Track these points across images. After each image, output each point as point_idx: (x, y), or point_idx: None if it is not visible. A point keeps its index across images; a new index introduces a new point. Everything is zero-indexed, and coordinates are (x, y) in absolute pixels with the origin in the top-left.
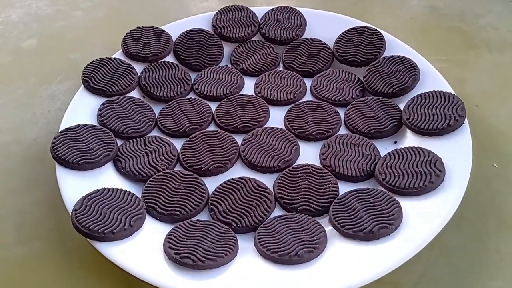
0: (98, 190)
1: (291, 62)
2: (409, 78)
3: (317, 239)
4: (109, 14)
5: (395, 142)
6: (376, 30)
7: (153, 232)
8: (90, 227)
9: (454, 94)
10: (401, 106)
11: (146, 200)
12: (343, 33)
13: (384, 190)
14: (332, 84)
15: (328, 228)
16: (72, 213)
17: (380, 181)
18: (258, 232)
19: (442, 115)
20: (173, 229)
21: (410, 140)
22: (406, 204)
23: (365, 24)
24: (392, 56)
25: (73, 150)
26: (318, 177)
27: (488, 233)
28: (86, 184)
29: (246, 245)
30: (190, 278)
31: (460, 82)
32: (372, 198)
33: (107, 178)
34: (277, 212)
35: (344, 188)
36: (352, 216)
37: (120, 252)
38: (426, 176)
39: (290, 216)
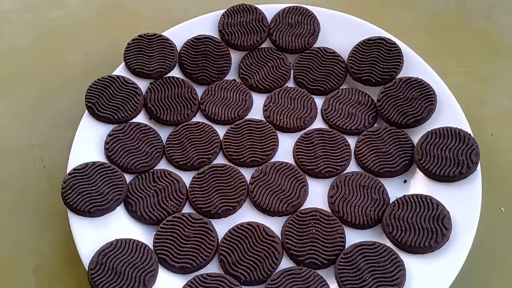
0: (112, 244)
1: (302, 77)
2: (425, 108)
3: None
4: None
5: (405, 181)
6: (394, 44)
7: (166, 287)
8: None
9: (469, 135)
10: (414, 138)
11: (157, 252)
12: (358, 45)
13: (390, 245)
14: (344, 108)
15: (334, 286)
16: (88, 272)
17: (387, 234)
18: None
19: (455, 160)
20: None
21: (420, 180)
22: (411, 261)
23: (382, 33)
24: (409, 78)
25: (83, 196)
26: (326, 225)
27: (491, 285)
28: (99, 231)
29: None
30: None
31: (479, 102)
32: (377, 256)
33: (119, 222)
34: (285, 261)
35: (351, 234)
36: (357, 277)
37: None
38: (432, 234)
39: (296, 272)
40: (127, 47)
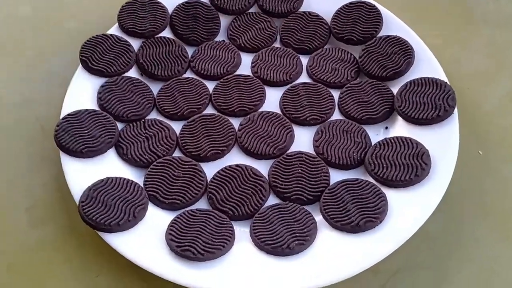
0: (102, 180)
1: (288, 38)
2: (404, 61)
3: (307, 231)
4: None
5: (386, 127)
6: (374, 6)
7: (156, 220)
8: (97, 220)
9: (446, 83)
10: (394, 90)
11: (148, 189)
12: (340, 8)
13: (372, 181)
14: (328, 64)
15: (318, 218)
16: (79, 205)
17: (369, 171)
18: (254, 223)
19: (433, 104)
20: (174, 220)
21: (400, 126)
22: (393, 195)
23: None
24: (388, 36)
25: (76, 138)
26: (311, 166)
27: (466, 219)
28: (90, 172)
29: (242, 232)
30: (190, 268)
31: (454, 61)
32: (360, 190)
33: (110, 164)
34: (272, 200)
35: (335, 175)
36: (341, 209)
37: (125, 243)
38: (412, 169)
39: (283, 206)
40: (121, 9)
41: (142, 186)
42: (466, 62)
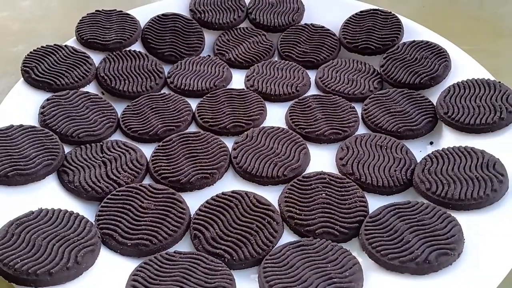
0: (32, 212)
1: (289, 51)
2: (439, 65)
3: (350, 274)
4: (64, 2)
5: (431, 143)
6: (390, 13)
7: (112, 270)
8: (15, 266)
9: (499, 82)
10: (432, 99)
11: (101, 225)
12: (350, 17)
13: (431, 203)
14: (343, 75)
15: (361, 260)
16: None
17: (423, 192)
18: (265, 268)
19: (490, 107)
20: (140, 266)
21: (449, 140)
22: (464, 222)
23: (373, 7)
24: (414, 41)
25: (2, 157)
26: (339, 189)
27: None
28: (18, 204)
29: (245, 284)
30: None
31: (495, 74)
32: (418, 214)
33: (48, 196)
34: (287, 236)
35: (373, 202)
36: (395, 240)
37: None
38: (486, 182)
39: (307, 243)
40: (80, 21)
41: (93, 222)
42: (507, 74)
